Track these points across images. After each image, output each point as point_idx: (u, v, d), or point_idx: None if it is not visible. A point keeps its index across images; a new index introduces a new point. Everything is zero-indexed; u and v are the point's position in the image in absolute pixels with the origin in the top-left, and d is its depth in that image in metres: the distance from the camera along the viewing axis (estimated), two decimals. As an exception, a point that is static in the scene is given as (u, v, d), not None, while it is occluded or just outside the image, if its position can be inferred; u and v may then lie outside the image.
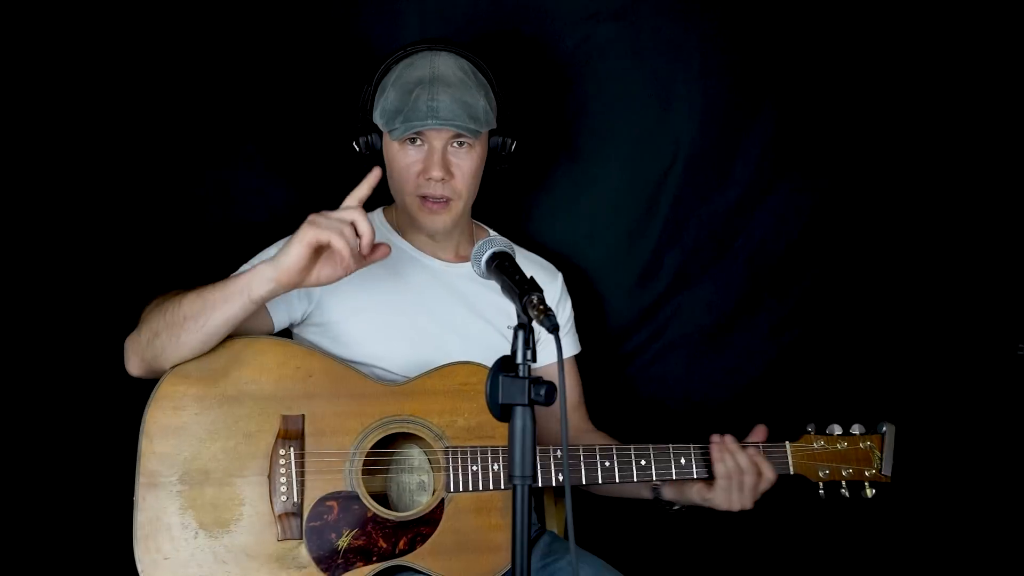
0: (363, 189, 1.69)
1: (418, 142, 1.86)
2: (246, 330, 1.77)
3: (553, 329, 1.35)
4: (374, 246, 1.69)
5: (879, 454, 1.93)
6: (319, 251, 1.65)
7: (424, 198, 1.88)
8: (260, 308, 1.76)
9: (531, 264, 2.09)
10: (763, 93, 2.26)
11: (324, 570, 1.72)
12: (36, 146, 2.02)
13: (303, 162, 2.18)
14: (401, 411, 1.80)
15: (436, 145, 1.85)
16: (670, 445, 1.85)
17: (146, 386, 1.73)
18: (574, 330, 2.14)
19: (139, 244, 2.09)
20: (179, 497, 1.69)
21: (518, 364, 1.37)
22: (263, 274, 1.65)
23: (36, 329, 2.04)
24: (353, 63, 2.07)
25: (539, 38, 2.22)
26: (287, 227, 1.89)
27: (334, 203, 2.08)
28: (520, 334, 1.38)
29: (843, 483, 1.92)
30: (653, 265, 2.30)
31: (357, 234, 1.64)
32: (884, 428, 1.94)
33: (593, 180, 2.28)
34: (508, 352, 1.90)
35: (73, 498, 2.01)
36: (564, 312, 2.10)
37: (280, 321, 1.85)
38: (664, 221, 2.28)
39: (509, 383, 1.35)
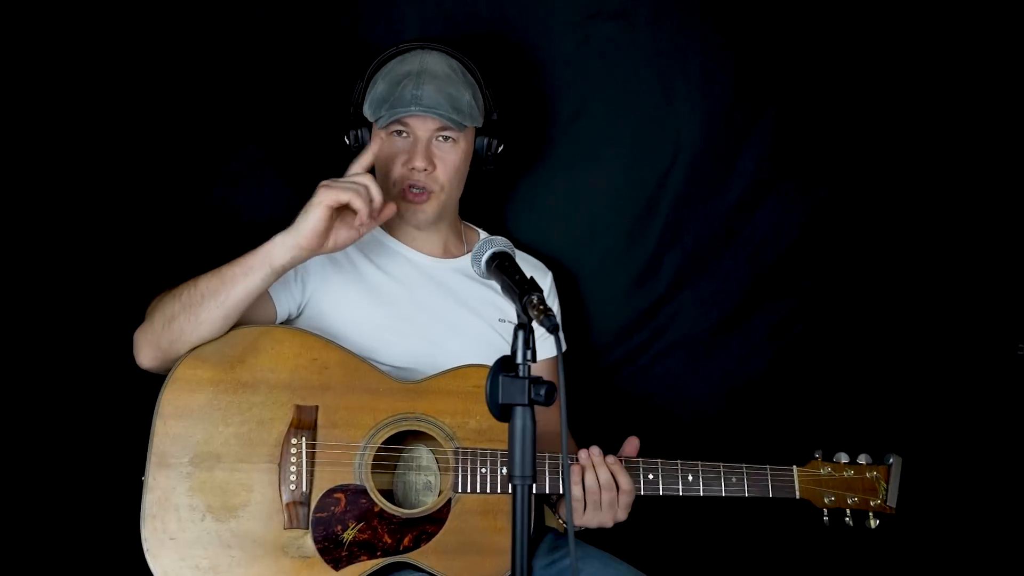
0: (367, 157, 1.76)
1: (404, 134, 1.91)
2: (250, 320, 1.79)
3: (553, 329, 1.37)
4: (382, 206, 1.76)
5: (885, 485, 1.94)
6: (335, 215, 1.70)
7: (407, 188, 1.92)
8: (264, 296, 1.80)
9: (521, 262, 2.10)
10: (763, 93, 2.26)
11: (328, 561, 1.72)
12: (36, 146, 2.04)
13: (303, 162, 2.17)
14: (414, 409, 1.81)
15: (421, 136, 1.90)
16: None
17: (156, 376, 1.76)
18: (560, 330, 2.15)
19: (141, 240, 2.10)
20: (189, 479, 1.70)
21: (518, 364, 1.38)
22: (283, 243, 1.69)
23: (45, 321, 2.05)
24: (354, 63, 2.10)
25: (539, 38, 2.24)
26: (285, 226, 1.91)
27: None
28: (520, 334, 1.39)
29: (848, 511, 1.92)
30: (653, 265, 2.30)
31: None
32: (891, 460, 1.95)
33: (593, 180, 2.29)
34: (498, 344, 1.95)
35: (83, 477, 2.02)
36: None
37: (283, 310, 1.87)
38: (664, 221, 2.28)
39: (509, 383, 1.36)
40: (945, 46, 2.23)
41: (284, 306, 1.87)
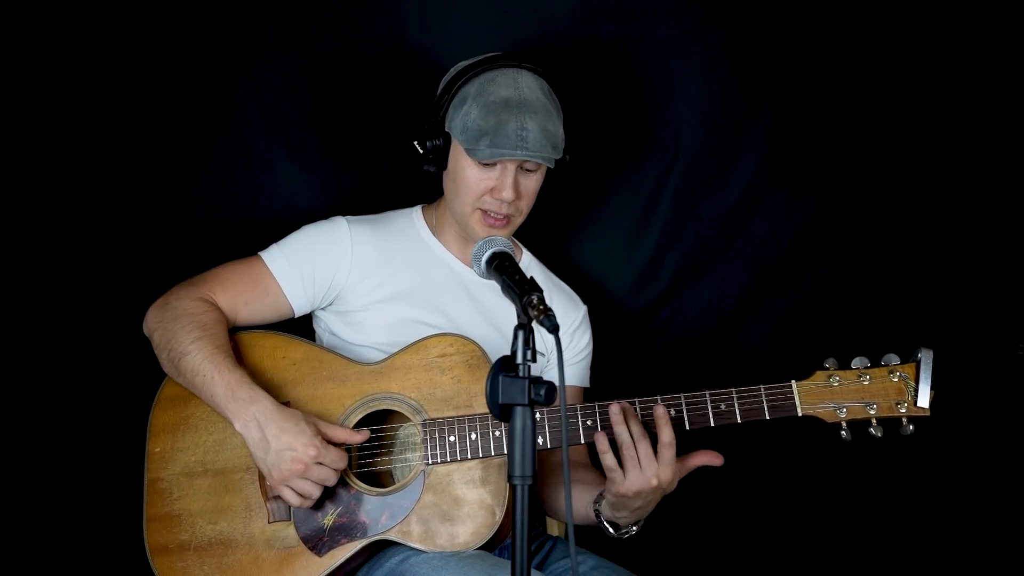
0: (357, 438, 1.77)
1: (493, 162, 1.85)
2: (262, 317, 1.91)
3: (553, 329, 1.35)
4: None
5: (914, 385, 1.68)
6: None
7: (485, 212, 1.88)
8: (280, 298, 1.90)
9: (557, 291, 2.06)
10: (763, 93, 2.23)
11: (311, 548, 1.76)
12: (38, 146, 2.12)
13: (305, 162, 2.23)
14: (379, 389, 1.81)
15: (510, 168, 1.83)
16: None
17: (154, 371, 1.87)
18: (587, 364, 2.07)
19: (140, 239, 2.18)
20: (182, 488, 1.80)
21: (518, 364, 1.37)
22: (248, 431, 1.72)
23: (43, 318, 2.15)
24: (356, 64, 2.16)
25: (539, 38, 2.19)
26: (300, 220, 2.00)
27: (350, 198, 2.18)
28: (520, 334, 1.38)
29: (873, 422, 1.68)
30: (653, 265, 2.29)
31: None
32: (920, 354, 1.69)
33: (593, 181, 2.26)
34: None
35: (91, 494, 2.15)
36: (579, 343, 2.04)
37: (301, 309, 1.94)
38: (664, 221, 2.27)
39: (509, 383, 1.35)
40: (944, 46, 2.20)
41: (303, 305, 1.93)
